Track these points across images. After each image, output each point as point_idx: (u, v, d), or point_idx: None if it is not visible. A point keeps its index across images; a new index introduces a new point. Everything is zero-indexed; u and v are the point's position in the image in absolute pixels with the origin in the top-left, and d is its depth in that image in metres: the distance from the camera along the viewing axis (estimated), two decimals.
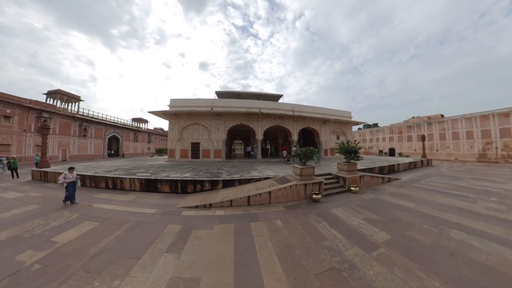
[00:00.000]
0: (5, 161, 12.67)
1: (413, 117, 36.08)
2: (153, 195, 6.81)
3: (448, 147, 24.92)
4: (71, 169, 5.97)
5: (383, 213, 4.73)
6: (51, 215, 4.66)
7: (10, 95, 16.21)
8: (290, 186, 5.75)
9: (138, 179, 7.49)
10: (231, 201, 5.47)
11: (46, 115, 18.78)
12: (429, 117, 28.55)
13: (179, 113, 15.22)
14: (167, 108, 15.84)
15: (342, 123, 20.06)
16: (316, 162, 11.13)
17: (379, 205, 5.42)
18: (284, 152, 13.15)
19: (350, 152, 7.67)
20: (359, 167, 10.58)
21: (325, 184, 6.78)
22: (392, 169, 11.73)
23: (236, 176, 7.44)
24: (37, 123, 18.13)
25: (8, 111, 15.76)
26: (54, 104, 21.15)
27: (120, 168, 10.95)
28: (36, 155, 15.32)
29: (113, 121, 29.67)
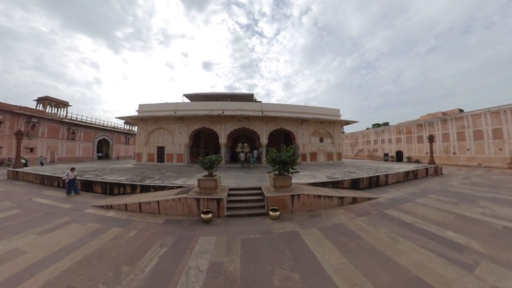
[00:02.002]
0: None
1: (428, 114, 33.58)
2: (87, 194, 8.49)
3: (468, 149, 22.78)
4: (72, 169, 8.63)
5: (258, 271, 3.22)
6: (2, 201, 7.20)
7: (1, 103, 19.96)
8: (179, 199, 5.96)
9: (80, 180, 9.22)
10: (126, 205, 6.66)
11: (35, 120, 22.41)
12: (444, 113, 26.41)
13: (146, 118, 17.05)
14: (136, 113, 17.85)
15: (326, 122, 19.37)
16: (252, 167, 11.59)
17: (276, 250, 3.90)
18: (242, 155, 13.98)
19: (280, 163, 6.52)
20: (330, 174, 10.30)
21: (243, 201, 6.42)
22: (375, 182, 9.61)
23: (157, 182, 8.62)
24: (27, 127, 21.79)
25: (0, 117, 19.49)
26: (44, 109, 24.98)
27: (91, 170, 13.33)
28: (40, 157, 18.78)
29: (102, 124, 33.40)
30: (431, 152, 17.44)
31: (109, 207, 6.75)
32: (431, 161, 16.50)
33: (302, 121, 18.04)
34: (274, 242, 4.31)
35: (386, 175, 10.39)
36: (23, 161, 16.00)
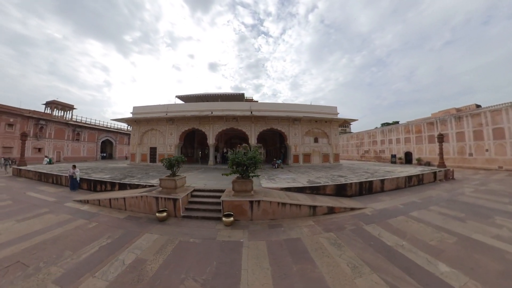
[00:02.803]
0: (2, 161, 18.11)
1: (440, 112, 31.78)
2: (76, 190, 9.73)
3: (487, 150, 21.39)
4: (73, 166, 10.18)
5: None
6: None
7: (13, 107, 22.68)
8: (142, 196, 6.67)
9: (61, 176, 10.72)
10: (99, 200, 7.65)
11: (43, 122, 25.00)
12: (458, 109, 25.02)
13: (139, 120, 18.45)
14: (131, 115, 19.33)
15: (321, 121, 18.97)
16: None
17: (205, 259, 3.83)
18: (217, 156, 14.69)
19: (239, 165, 6.41)
20: (315, 179, 9.83)
21: (204, 203, 6.72)
22: (367, 188, 8.82)
23: (134, 181, 9.59)
24: (35, 129, 24.42)
25: (11, 120, 22.13)
26: (51, 112, 27.70)
27: (85, 168, 14.97)
28: (46, 156, 21.29)
29: (105, 126, 36.03)
30: (441, 153, 16.43)
31: (86, 202, 7.80)
32: (441, 164, 15.76)
33: (294, 120, 18.00)
34: (209, 250, 4.26)
35: (382, 181, 9.39)
36: (47, 159, 19.02)
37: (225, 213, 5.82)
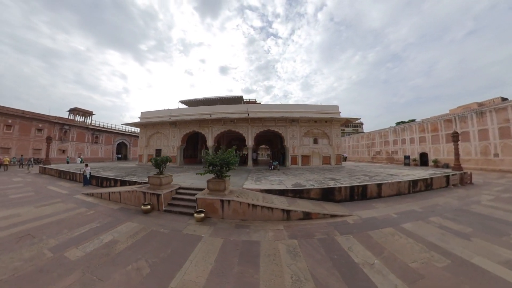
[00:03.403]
0: (25, 161, 21.22)
1: (460, 107, 29.44)
2: (87, 186, 11.47)
3: None
4: (86, 165, 12.24)
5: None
6: (21, 188, 9.91)
7: (42, 114, 26.41)
8: (133, 191, 7.81)
9: (77, 174, 12.47)
10: (101, 194, 9.06)
11: (66, 127, 28.54)
12: (480, 104, 23.07)
13: (146, 124, 20.38)
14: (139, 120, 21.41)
15: (321, 121, 18.64)
16: (234, 168, 12.72)
17: (163, 247, 4.35)
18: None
19: (213, 165, 6.87)
20: (304, 181, 9.72)
21: (186, 200, 7.39)
22: (360, 193, 8.37)
23: (134, 179, 10.97)
24: (60, 133, 27.98)
25: (40, 125, 25.78)
26: (74, 118, 31.43)
27: (101, 168, 17.05)
28: (67, 157, 24.66)
29: (120, 130, 39.56)
30: (457, 154, 14.92)
31: (91, 195, 9.26)
32: (457, 166, 14.49)
33: (291, 121, 18.13)
34: (171, 240, 4.81)
35: (379, 185, 8.76)
36: (80, 159, 24.52)
37: (197, 210, 6.35)
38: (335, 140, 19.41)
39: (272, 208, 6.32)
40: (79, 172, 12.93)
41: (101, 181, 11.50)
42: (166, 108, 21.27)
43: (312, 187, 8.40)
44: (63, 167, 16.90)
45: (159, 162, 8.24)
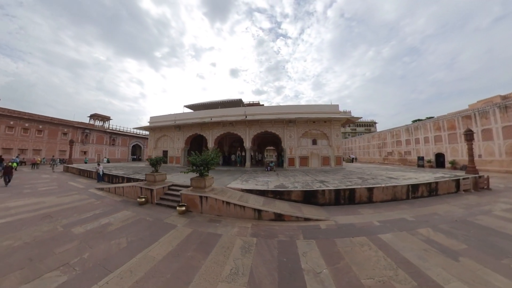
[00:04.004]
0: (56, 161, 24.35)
1: (480, 101, 27.26)
2: (101, 182, 13.36)
3: None
4: (99, 164, 14.54)
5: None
6: (48, 183, 11.86)
7: (67, 120, 30.23)
8: (132, 186, 9.34)
9: (92, 172, 14.50)
10: (109, 188, 10.72)
11: (87, 131, 32.08)
12: (504, 97, 21.07)
13: (154, 127, 22.44)
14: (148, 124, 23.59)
15: (320, 121, 18.54)
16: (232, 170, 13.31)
17: (146, 230, 5.41)
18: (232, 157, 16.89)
19: (195, 165, 7.88)
20: (290, 184, 9.73)
21: (176, 195, 8.23)
22: (347, 197, 8.19)
23: (138, 176, 12.59)
24: (82, 136, 31.55)
25: (65, 130, 29.51)
26: (93, 123, 35.12)
27: (114, 167, 19.34)
28: (85, 158, 27.92)
29: (134, 133, 43.04)
30: (471, 155, 13.57)
31: (102, 189, 10.96)
32: (471, 169, 12.86)
33: (288, 122, 18.50)
34: (152, 226, 5.91)
35: (370, 189, 8.33)
36: (106, 159, 26.82)
37: (180, 204, 7.28)
38: (335, 141, 19.07)
39: (244, 207, 6.75)
40: (94, 170, 14.98)
41: (112, 178, 13.31)
42: (175, 112, 23.10)
43: (294, 189, 8.49)
44: (82, 166, 19.42)
45: (154, 162, 9.63)
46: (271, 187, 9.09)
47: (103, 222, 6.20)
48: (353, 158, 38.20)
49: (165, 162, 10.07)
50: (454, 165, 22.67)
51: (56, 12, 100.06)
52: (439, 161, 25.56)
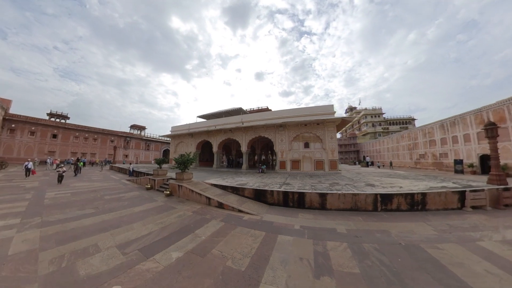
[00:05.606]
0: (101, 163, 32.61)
1: None
2: (131, 176, 19.00)
3: None
4: (130, 164, 23.01)
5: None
6: (98, 176, 18.03)
7: (113, 130, 39.67)
8: (145, 178, 14.23)
9: (126, 169, 20.40)
10: (133, 180, 15.83)
11: (128, 138, 41.02)
12: None
13: (173, 135, 28.21)
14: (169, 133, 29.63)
15: (312, 124, 18.73)
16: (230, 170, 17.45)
17: (144, 201, 9.91)
18: (224, 160, 20.89)
19: (177, 163, 11.16)
20: (253, 183, 10.61)
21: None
22: (296, 199, 8.30)
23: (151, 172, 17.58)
24: (124, 143, 40.56)
25: (112, 138, 38.70)
26: (133, 132, 44.35)
27: (142, 167, 25.56)
28: (123, 160, 36.25)
29: (165, 140, 51.59)
30: (496, 159, 9.72)
31: (129, 180, 16.17)
32: (495, 178, 9.25)
33: (279, 127, 19.74)
34: (144, 200, 9.30)
35: (322, 195, 8.08)
36: (123, 162, 33.47)
37: (167, 189, 11.15)
38: (329, 144, 18.67)
39: (201, 194, 9.16)
40: (127, 168, 20.91)
41: (137, 174, 18.70)
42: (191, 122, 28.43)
43: (248, 187, 9.69)
44: (121, 165, 26.27)
45: (159, 162, 14.23)
46: (234, 184, 10.66)
47: (120, 195, 10.69)
48: (368, 162, 35.25)
49: (167, 163, 14.52)
50: (507, 171, 16.85)
51: (106, 41, 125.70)
52: (485, 165, 19.80)
